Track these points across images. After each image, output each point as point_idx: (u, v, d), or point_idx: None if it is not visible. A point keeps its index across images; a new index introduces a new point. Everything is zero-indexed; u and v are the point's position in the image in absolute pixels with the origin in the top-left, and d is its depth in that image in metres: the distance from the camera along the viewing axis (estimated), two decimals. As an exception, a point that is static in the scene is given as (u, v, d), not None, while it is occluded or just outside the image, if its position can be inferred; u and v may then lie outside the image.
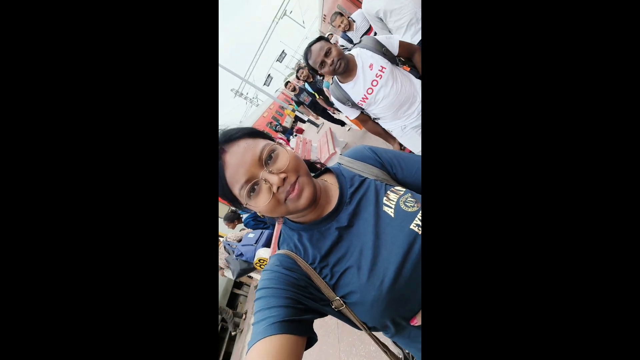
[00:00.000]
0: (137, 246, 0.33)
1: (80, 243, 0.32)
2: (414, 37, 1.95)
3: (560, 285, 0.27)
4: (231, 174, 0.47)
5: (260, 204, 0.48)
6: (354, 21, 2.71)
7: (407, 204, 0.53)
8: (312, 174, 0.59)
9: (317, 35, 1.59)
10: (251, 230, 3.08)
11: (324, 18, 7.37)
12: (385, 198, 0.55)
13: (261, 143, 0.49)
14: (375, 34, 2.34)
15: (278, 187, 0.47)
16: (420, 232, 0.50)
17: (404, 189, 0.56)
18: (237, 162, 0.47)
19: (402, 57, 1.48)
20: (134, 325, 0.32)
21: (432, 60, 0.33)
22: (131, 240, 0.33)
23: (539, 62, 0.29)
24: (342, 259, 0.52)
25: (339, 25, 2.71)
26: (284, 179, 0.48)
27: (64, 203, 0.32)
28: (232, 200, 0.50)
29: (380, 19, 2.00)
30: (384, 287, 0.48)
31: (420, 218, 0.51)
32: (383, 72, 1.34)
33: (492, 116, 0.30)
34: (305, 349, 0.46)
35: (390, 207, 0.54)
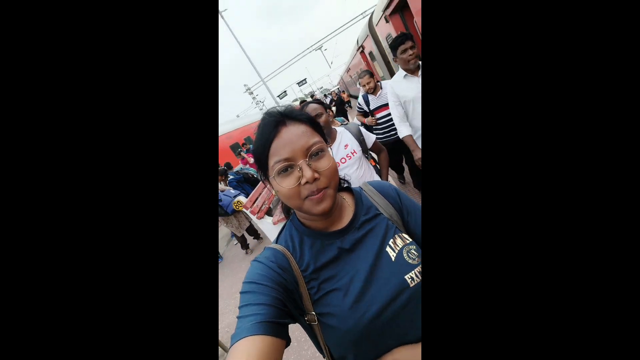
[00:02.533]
0: (139, 241, 0.33)
1: (82, 237, 0.32)
2: None
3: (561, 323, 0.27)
4: (277, 146, 0.50)
5: (284, 186, 0.50)
6: (381, 88, 2.64)
7: (409, 254, 0.55)
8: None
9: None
10: (232, 188, 3.96)
11: (348, 70, 8.86)
12: (391, 240, 0.57)
13: (316, 138, 0.52)
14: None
15: (306, 182, 0.49)
16: (411, 286, 0.52)
17: (410, 239, 0.59)
18: (289, 139, 0.50)
19: (373, 153, 1.64)
20: (133, 321, 0.32)
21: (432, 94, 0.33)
22: (133, 234, 0.33)
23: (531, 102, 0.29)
24: (332, 278, 0.54)
25: (365, 85, 2.61)
26: (315, 180, 0.50)
27: (66, 194, 0.31)
28: (263, 166, 0.53)
29: (402, 107, 1.91)
30: (363, 320, 0.50)
31: (417, 272, 0.53)
32: (353, 155, 1.50)
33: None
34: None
35: (394, 251, 0.56)
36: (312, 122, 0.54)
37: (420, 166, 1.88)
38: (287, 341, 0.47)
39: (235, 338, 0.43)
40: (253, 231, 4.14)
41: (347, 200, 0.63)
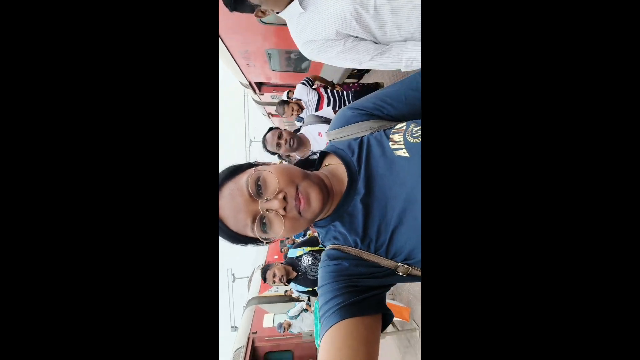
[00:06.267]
0: (139, 244, 0.32)
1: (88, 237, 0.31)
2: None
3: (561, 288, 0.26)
4: (234, 223, 0.48)
5: (279, 231, 0.48)
6: (299, 99, 2.44)
7: (414, 135, 0.51)
8: (313, 168, 0.59)
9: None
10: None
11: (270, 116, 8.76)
12: (391, 143, 0.53)
13: (243, 178, 0.48)
14: (335, 95, 2.30)
15: (284, 208, 0.47)
16: None
17: (404, 123, 0.54)
18: (232, 210, 0.47)
19: None
20: (133, 323, 0.31)
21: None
22: (132, 237, 0.32)
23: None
24: (381, 227, 0.51)
25: (291, 114, 2.45)
26: (284, 198, 0.47)
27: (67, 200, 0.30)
28: (252, 241, 0.51)
29: (350, 36, 0.92)
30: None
31: None
32: None
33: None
34: (384, 327, 0.47)
35: (402, 148, 0.51)
36: (227, 177, 0.50)
37: None
38: (385, 315, 0.47)
39: (319, 338, 0.45)
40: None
41: (332, 162, 0.59)
